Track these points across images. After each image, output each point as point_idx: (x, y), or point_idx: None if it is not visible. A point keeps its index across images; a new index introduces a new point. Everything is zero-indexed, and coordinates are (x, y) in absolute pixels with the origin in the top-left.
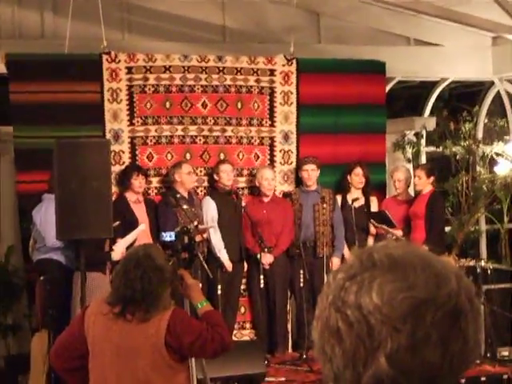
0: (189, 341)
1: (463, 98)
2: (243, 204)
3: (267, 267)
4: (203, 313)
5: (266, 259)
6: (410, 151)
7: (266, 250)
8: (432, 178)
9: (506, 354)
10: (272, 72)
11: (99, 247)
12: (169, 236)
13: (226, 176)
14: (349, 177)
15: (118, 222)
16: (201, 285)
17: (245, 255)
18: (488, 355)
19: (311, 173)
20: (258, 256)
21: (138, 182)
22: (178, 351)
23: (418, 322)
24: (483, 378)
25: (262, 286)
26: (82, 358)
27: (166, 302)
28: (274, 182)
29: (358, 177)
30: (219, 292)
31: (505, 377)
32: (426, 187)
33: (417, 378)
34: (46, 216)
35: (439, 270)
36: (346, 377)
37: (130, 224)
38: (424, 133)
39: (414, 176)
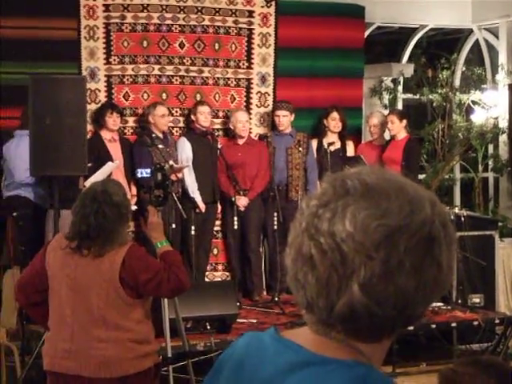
0: (144, 278)
1: (441, 45)
2: (219, 146)
3: (242, 209)
4: (162, 252)
5: (241, 202)
6: (386, 97)
7: (241, 192)
8: (405, 122)
9: (477, 300)
10: (250, 13)
11: (73, 184)
12: (144, 173)
13: (204, 118)
14: (325, 121)
15: (90, 164)
16: (174, 225)
17: (219, 197)
18: (459, 301)
19: (282, 119)
20: (233, 199)
21: (112, 119)
22: (133, 288)
23: (392, 249)
24: (454, 324)
25: (235, 227)
26: (43, 293)
27: (122, 238)
28: (249, 124)
29: (334, 121)
30: (192, 233)
31: (475, 323)
32: (400, 132)
33: (390, 305)
34: (16, 152)
35: (413, 196)
36: (319, 304)
37: (105, 162)
38: (401, 79)
39: (387, 121)
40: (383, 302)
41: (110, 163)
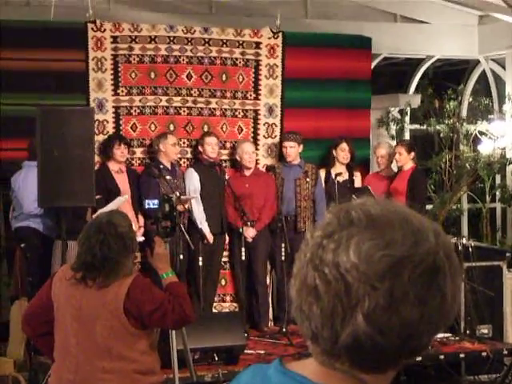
0: (149, 309)
1: (448, 76)
2: (226, 177)
3: (250, 240)
4: (167, 284)
5: (249, 233)
6: (393, 128)
7: (248, 223)
8: (413, 154)
9: (485, 331)
10: (258, 45)
11: (80, 216)
12: (152, 204)
13: (211, 148)
14: (334, 151)
15: (99, 196)
16: (182, 256)
17: (226, 228)
18: (467, 332)
19: (289, 150)
20: (241, 230)
21: (120, 151)
22: (138, 318)
23: (396, 280)
24: (462, 355)
25: (243, 258)
26: (49, 323)
27: (127, 269)
28: (255, 155)
29: (343, 152)
30: (200, 264)
31: (484, 354)
32: (407, 163)
33: (394, 335)
34: (24, 183)
35: (417, 226)
36: (323, 335)
37: (112, 194)
38: (408, 110)
39: (395, 153)
40: (387, 333)
41: (120, 197)
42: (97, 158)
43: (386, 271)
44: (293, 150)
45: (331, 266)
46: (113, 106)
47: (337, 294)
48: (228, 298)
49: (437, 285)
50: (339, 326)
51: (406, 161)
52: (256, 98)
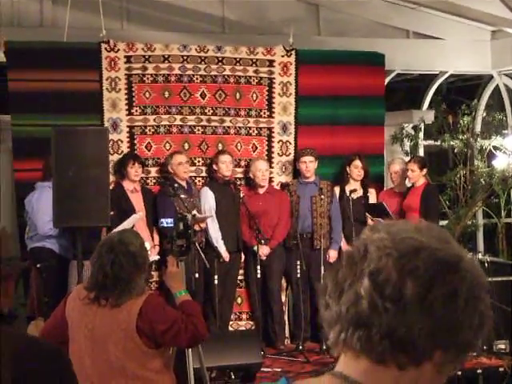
0: (162, 328)
1: (462, 91)
2: (241, 195)
3: (264, 258)
4: (180, 302)
5: (263, 251)
6: (407, 144)
7: (262, 241)
8: (425, 171)
9: (502, 346)
10: (271, 63)
11: (95, 235)
12: (165, 223)
13: (225, 167)
14: (348, 168)
15: (112, 212)
16: (197, 275)
17: (242, 246)
18: (485, 348)
19: (309, 164)
20: (255, 248)
21: (134, 170)
22: (151, 337)
23: (412, 257)
24: (479, 371)
25: (259, 276)
26: (65, 344)
27: (139, 287)
28: (268, 173)
29: (357, 169)
30: (216, 282)
31: (501, 369)
32: (419, 180)
33: (401, 304)
34: (37, 204)
35: (456, 247)
36: (332, 296)
37: (127, 213)
38: (422, 126)
39: (407, 169)
40: (391, 297)
41: (134, 215)
42: (111, 178)
43: (408, 249)
44: (312, 165)
45: (361, 240)
46: (127, 126)
47: (354, 262)
48: (244, 316)
49: (449, 280)
50: (347, 287)
51: (418, 177)
52: (270, 116)
